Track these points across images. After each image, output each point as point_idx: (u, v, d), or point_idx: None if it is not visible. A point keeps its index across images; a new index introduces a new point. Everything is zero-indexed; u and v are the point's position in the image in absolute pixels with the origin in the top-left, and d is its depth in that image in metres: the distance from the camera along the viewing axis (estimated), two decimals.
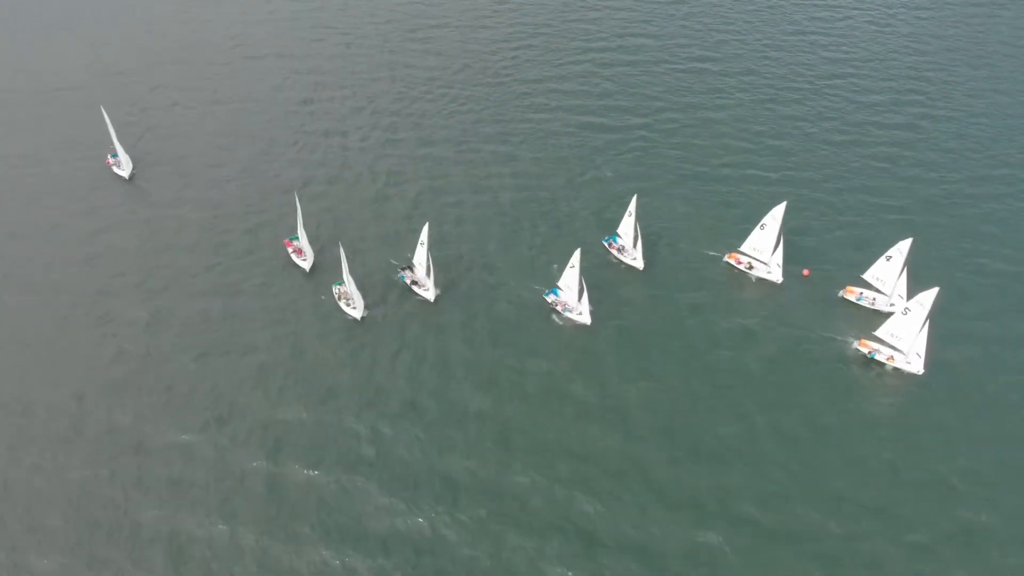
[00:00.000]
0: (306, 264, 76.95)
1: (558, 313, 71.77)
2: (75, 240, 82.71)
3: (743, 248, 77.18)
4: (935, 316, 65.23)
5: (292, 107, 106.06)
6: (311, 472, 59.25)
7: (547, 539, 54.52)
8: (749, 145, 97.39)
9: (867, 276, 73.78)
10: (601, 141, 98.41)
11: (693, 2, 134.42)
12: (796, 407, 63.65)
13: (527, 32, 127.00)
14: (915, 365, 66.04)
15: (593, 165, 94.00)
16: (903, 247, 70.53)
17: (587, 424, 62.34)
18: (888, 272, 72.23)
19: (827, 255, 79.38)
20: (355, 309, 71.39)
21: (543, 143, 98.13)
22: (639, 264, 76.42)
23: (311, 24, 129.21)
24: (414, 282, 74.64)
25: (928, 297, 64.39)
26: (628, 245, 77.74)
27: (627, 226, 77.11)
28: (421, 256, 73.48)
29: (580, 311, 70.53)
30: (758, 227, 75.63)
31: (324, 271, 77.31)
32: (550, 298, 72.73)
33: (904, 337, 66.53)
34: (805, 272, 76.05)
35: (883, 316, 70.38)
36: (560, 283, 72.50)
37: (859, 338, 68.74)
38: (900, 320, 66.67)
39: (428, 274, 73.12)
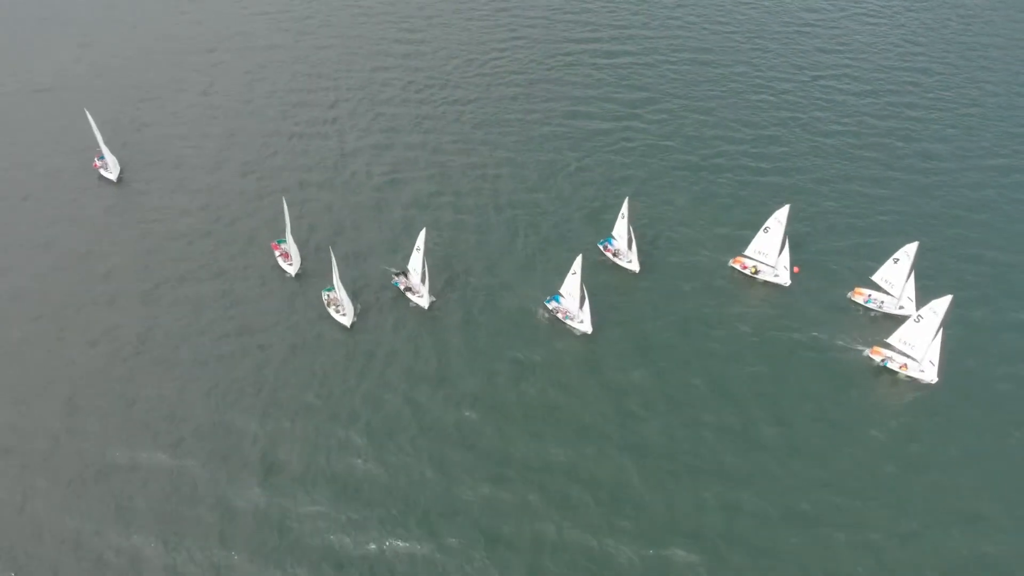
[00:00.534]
0: (292, 269, 74.46)
1: (559, 321, 69.10)
2: (63, 244, 79.89)
3: (748, 252, 74.81)
4: (949, 324, 62.94)
5: (284, 106, 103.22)
6: (288, 490, 56.14)
7: (542, 557, 51.97)
8: (748, 145, 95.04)
9: (875, 278, 71.76)
10: (598, 140, 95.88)
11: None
12: (807, 417, 61.17)
13: (521, 24, 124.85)
14: (929, 373, 63.79)
15: (591, 164, 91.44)
16: (910, 250, 68.55)
17: (589, 439, 59.56)
18: (896, 274, 70.27)
19: (833, 256, 77.11)
20: (344, 316, 68.74)
21: (539, 142, 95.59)
22: (634, 267, 74.34)
23: (303, 21, 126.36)
24: (408, 288, 71.86)
25: (941, 304, 62.14)
26: (623, 248, 75.69)
27: (621, 228, 75.11)
28: (416, 262, 70.70)
29: (581, 319, 67.89)
30: (761, 230, 73.35)
31: (314, 276, 74.53)
32: (551, 305, 70.07)
33: (917, 345, 64.25)
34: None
35: (892, 320, 68.33)
36: (562, 290, 69.84)
37: (871, 346, 66.51)
38: (913, 327, 64.40)
39: (423, 280, 70.34)
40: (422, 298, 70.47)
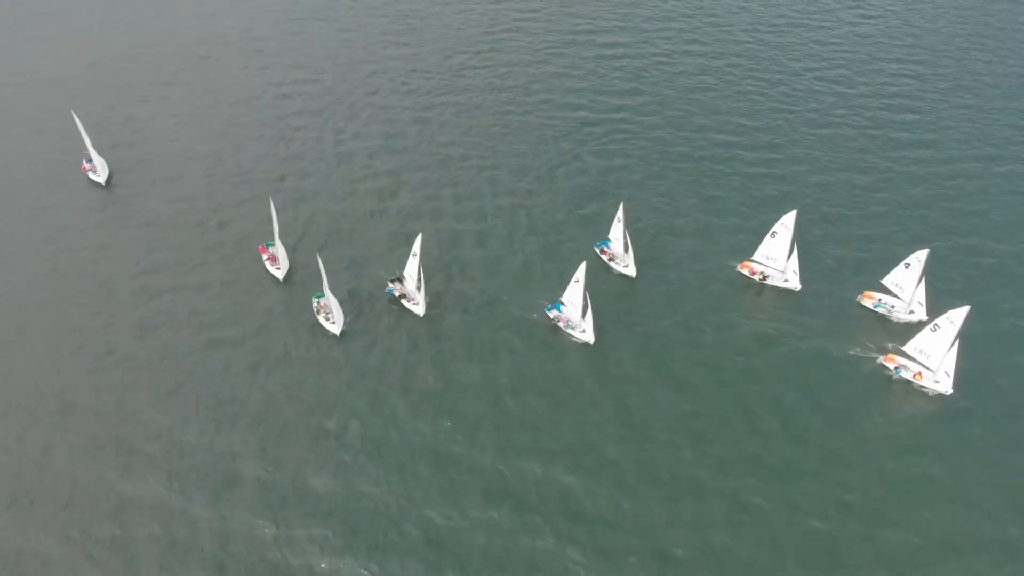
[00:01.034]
0: (280, 273, 71.57)
1: (560, 330, 66.26)
2: (50, 247, 76.92)
3: (755, 257, 72.40)
4: (965, 334, 60.68)
5: (276, 107, 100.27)
6: (259, 519, 52.91)
7: None
8: (746, 143, 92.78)
9: (885, 282, 69.78)
10: (593, 137, 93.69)
11: None
12: (817, 428, 58.77)
13: (514, 16, 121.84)
14: (944, 384, 61.63)
15: (587, 162, 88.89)
16: (921, 256, 66.69)
17: (594, 455, 56.78)
18: (906, 279, 68.30)
19: (842, 259, 74.90)
20: (334, 324, 65.62)
21: (534, 140, 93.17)
22: (631, 272, 71.88)
23: (293, 17, 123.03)
24: (403, 295, 68.69)
25: (959, 315, 59.94)
26: (619, 252, 73.19)
27: (617, 232, 72.79)
28: (412, 268, 67.55)
29: (583, 328, 65.08)
30: (768, 235, 71.15)
31: (306, 281, 71.25)
32: (552, 314, 67.19)
33: (933, 354, 62.06)
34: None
35: (904, 326, 66.62)
36: (563, 298, 66.95)
37: (885, 354, 64.33)
38: (929, 336, 62.20)
39: (419, 287, 67.18)
40: (418, 305, 67.39)
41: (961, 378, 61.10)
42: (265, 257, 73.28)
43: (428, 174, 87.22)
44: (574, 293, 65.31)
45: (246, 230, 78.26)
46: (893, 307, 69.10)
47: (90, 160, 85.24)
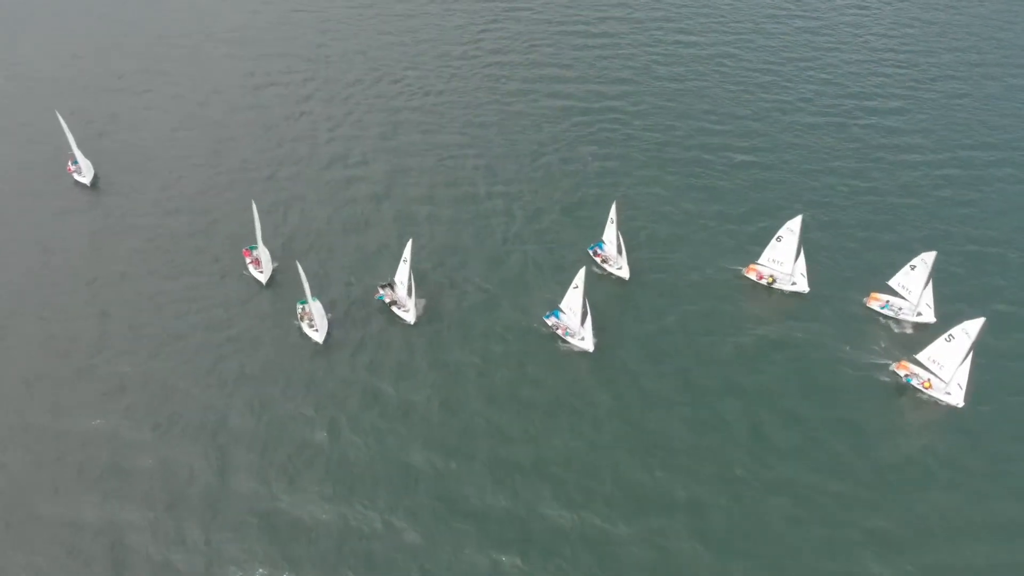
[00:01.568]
0: (262, 277, 68.68)
1: (558, 338, 63.50)
2: (34, 250, 73.90)
3: (761, 261, 69.90)
4: (981, 347, 58.19)
5: (263, 104, 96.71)
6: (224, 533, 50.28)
7: None
8: (742, 141, 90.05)
9: (892, 283, 67.72)
10: (586, 134, 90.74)
11: None
12: (823, 439, 56.40)
13: (502, 10, 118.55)
14: (955, 396, 59.41)
15: (579, 160, 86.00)
16: (928, 258, 64.51)
17: (597, 477, 53.98)
18: (913, 281, 66.29)
19: (848, 260, 72.41)
20: (317, 331, 62.72)
21: (526, 139, 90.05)
22: (624, 274, 69.32)
23: (280, 9, 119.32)
24: (393, 302, 65.58)
25: (974, 326, 57.44)
26: (612, 254, 70.63)
27: (610, 233, 70.17)
28: (403, 274, 64.34)
29: (583, 336, 62.31)
30: (774, 239, 68.75)
31: (290, 285, 67.69)
32: (550, 321, 64.32)
33: (946, 365, 59.77)
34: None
35: (913, 331, 64.71)
36: (562, 305, 64.06)
37: (895, 360, 62.07)
38: (943, 346, 59.82)
39: (409, 293, 64.08)
40: (408, 312, 64.34)
41: (974, 392, 58.90)
42: (248, 260, 70.14)
43: (420, 175, 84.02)
44: (573, 299, 62.40)
45: (232, 232, 75.06)
46: (900, 309, 67.05)
47: (75, 161, 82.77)
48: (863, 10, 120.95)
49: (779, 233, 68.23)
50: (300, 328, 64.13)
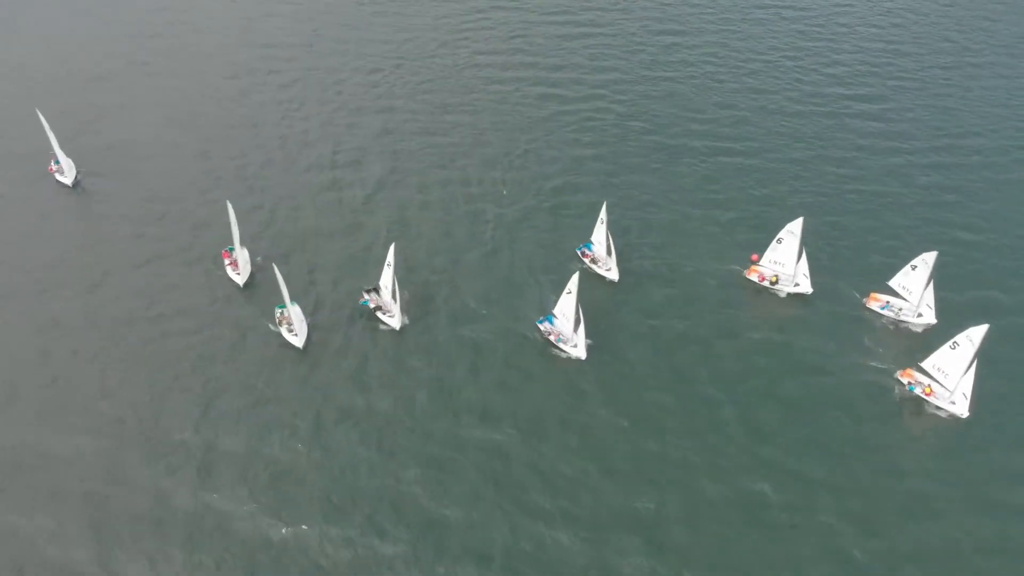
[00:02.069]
0: (240, 279, 66.43)
1: (551, 344, 61.15)
2: (13, 250, 71.67)
3: (762, 262, 67.77)
4: (986, 355, 56.11)
5: (245, 101, 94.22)
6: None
7: None
8: (736, 139, 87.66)
9: (892, 283, 65.86)
10: (570, 130, 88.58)
11: None
12: (823, 451, 54.35)
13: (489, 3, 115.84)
14: (960, 406, 57.44)
15: (567, 158, 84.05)
16: (928, 259, 62.63)
17: (591, 498, 51.47)
18: (913, 281, 64.48)
19: (847, 260, 70.37)
20: (296, 336, 60.34)
21: (514, 138, 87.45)
22: (613, 276, 67.21)
23: (265, 5, 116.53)
24: (378, 307, 63.00)
25: (978, 333, 55.48)
26: (601, 255, 68.39)
27: (600, 234, 68.00)
28: (387, 278, 61.70)
29: (575, 343, 59.97)
30: (775, 241, 66.78)
31: (271, 288, 64.79)
32: (543, 326, 61.96)
33: (951, 373, 57.76)
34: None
35: (918, 335, 62.85)
36: (555, 310, 61.66)
37: (903, 367, 60.04)
38: (948, 354, 57.77)
39: (394, 298, 61.50)
40: (393, 318, 61.83)
41: (978, 401, 56.87)
42: (227, 262, 67.69)
43: (405, 174, 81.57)
44: (566, 305, 59.98)
45: (213, 232, 72.35)
46: (901, 309, 65.27)
47: (57, 161, 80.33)
48: (852, 6, 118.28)
49: (779, 235, 66.27)
50: (279, 333, 61.75)
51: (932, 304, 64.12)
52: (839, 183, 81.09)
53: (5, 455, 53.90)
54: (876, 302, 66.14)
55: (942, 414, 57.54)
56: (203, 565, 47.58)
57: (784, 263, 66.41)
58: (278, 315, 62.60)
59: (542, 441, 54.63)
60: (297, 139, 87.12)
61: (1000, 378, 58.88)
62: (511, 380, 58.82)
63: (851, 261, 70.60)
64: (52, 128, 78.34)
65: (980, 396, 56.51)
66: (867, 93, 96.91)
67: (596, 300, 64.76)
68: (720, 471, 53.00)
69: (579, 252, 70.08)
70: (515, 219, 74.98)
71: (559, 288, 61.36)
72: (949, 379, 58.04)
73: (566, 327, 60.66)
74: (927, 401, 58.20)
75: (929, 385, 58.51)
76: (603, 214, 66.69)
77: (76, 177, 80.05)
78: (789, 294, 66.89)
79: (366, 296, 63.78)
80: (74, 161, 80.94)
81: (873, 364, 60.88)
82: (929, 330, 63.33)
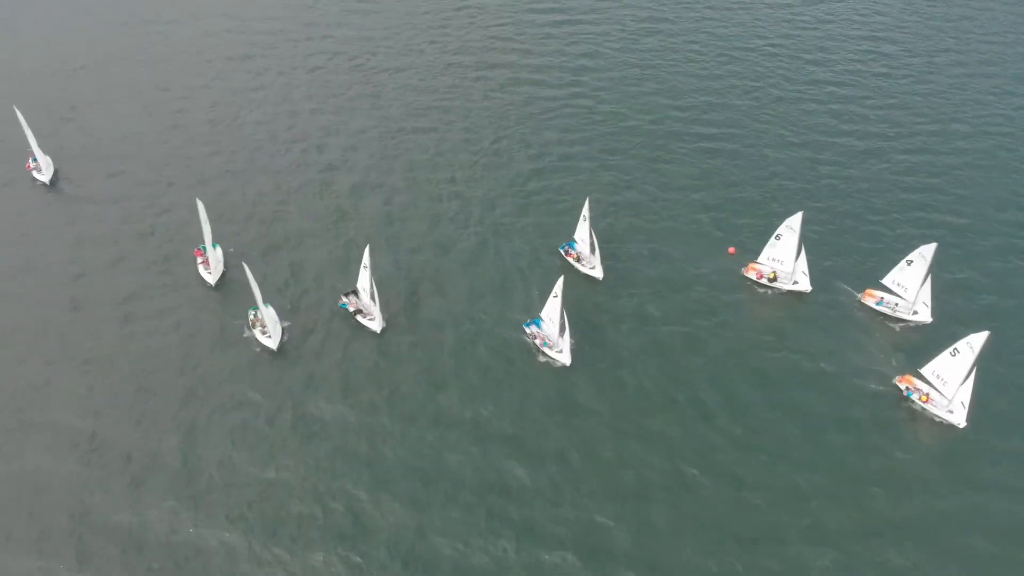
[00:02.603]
0: (211, 278, 64.52)
1: (537, 349, 59.06)
2: None
3: (760, 260, 65.27)
4: (984, 362, 53.82)
5: (224, 100, 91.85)
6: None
7: None
8: (727, 131, 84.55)
9: (886, 281, 63.58)
10: (555, 123, 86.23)
11: None
12: (814, 457, 52.52)
13: None
14: (958, 415, 55.53)
15: (550, 152, 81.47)
16: (926, 252, 60.04)
17: (561, 512, 49.82)
18: (909, 278, 62.09)
19: (843, 256, 67.80)
20: (270, 338, 58.56)
21: (494, 127, 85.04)
22: (598, 274, 64.93)
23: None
24: (358, 310, 60.80)
25: (978, 340, 53.14)
26: (585, 252, 65.93)
27: (583, 231, 65.45)
28: (364, 280, 59.32)
29: (560, 348, 57.89)
30: (773, 237, 64.19)
31: (245, 289, 62.73)
32: (529, 330, 59.83)
33: (950, 381, 55.66)
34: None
35: (917, 340, 60.35)
36: (542, 314, 59.38)
37: (903, 374, 57.92)
38: (947, 361, 55.47)
39: (374, 300, 59.24)
40: (374, 321, 59.72)
41: (977, 411, 54.85)
42: (200, 260, 65.51)
43: (385, 174, 78.83)
44: (552, 309, 57.66)
45: (191, 231, 69.94)
46: (896, 305, 63.13)
47: (35, 159, 78.69)
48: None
49: (778, 231, 63.65)
50: (253, 335, 59.97)
51: (928, 302, 61.87)
52: (834, 175, 78.25)
53: None
54: (871, 298, 63.98)
55: (939, 422, 55.77)
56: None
57: (783, 260, 63.78)
58: (251, 316, 60.66)
59: (522, 448, 52.80)
60: (272, 138, 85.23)
61: (1000, 389, 56.78)
62: (493, 384, 56.90)
63: (846, 256, 68.07)
64: (29, 125, 76.50)
65: (979, 406, 54.47)
66: (859, 83, 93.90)
67: (581, 300, 62.53)
68: (710, 475, 51.40)
69: (562, 251, 67.61)
70: (497, 217, 72.72)
71: (543, 287, 59.20)
72: (948, 387, 55.92)
73: (552, 331, 58.50)
74: (924, 408, 56.42)
75: (927, 393, 56.62)
76: (586, 210, 63.96)
77: (54, 174, 78.61)
78: (786, 292, 64.47)
79: (344, 299, 61.57)
80: (52, 158, 79.72)
81: (868, 367, 58.74)
82: (925, 329, 61.19)
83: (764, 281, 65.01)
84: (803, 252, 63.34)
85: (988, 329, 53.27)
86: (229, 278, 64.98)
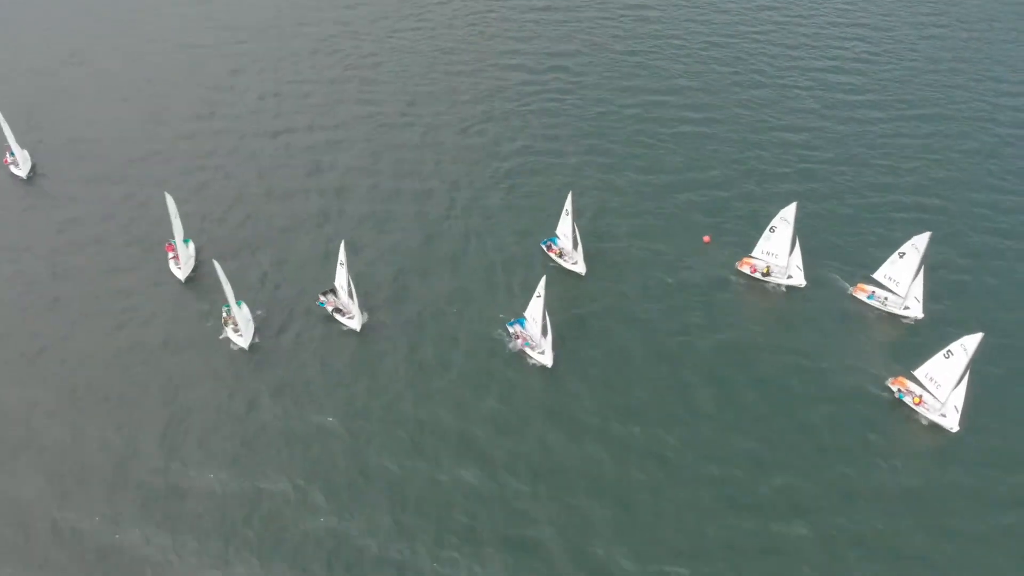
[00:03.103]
0: (181, 273, 63.14)
1: (520, 348, 57.37)
2: None
3: (754, 254, 63.73)
4: (978, 364, 52.43)
5: (204, 95, 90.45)
6: None
7: None
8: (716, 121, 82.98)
9: (877, 275, 62.19)
10: (539, 116, 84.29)
11: None
12: (803, 460, 51.17)
13: None
14: (950, 419, 54.25)
15: (537, 149, 79.22)
16: (919, 243, 58.53)
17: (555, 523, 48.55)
18: (901, 271, 60.60)
19: (835, 247, 66.21)
20: (242, 336, 57.02)
21: (477, 121, 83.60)
22: (580, 269, 63.56)
23: None
24: (337, 309, 58.89)
25: (972, 342, 51.68)
26: (568, 248, 64.27)
27: (565, 226, 63.82)
28: (342, 278, 57.35)
29: (542, 349, 56.25)
30: (767, 230, 62.45)
31: (218, 285, 60.93)
32: (512, 329, 58.20)
33: (943, 384, 54.34)
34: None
35: (914, 342, 58.66)
36: (526, 313, 57.66)
37: (895, 375, 56.44)
38: (941, 364, 54.04)
39: (352, 298, 57.25)
40: (353, 319, 57.90)
41: (970, 415, 53.56)
42: (171, 255, 64.10)
43: (365, 173, 77.09)
44: (535, 309, 55.89)
45: (166, 226, 67.49)
46: (887, 299, 61.85)
47: (12, 153, 78.18)
48: None
49: (772, 223, 61.93)
50: (225, 333, 58.58)
51: (920, 297, 60.41)
52: (828, 166, 76.34)
53: None
54: (862, 292, 62.67)
55: (929, 425, 54.55)
56: None
57: (777, 253, 62.16)
58: (224, 315, 59.05)
59: (503, 448, 51.35)
60: (250, 129, 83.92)
61: (993, 393, 55.37)
62: (474, 385, 55.39)
63: (839, 248, 66.49)
64: (7, 119, 75.38)
65: (971, 411, 53.18)
66: (845, 68, 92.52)
67: (563, 296, 60.99)
68: (700, 481, 50.10)
69: (544, 247, 65.90)
70: (480, 211, 71.14)
71: (525, 284, 57.64)
72: (941, 390, 54.58)
73: (535, 331, 56.77)
74: (916, 411, 55.23)
75: (920, 395, 55.33)
76: (568, 204, 62.11)
77: (31, 169, 77.60)
78: (780, 286, 62.97)
79: (322, 299, 59.84)
80: (29, 152, 78.79)
81: (860, 366, 57.23)
82: (919, 329, 59.71)
83: (758, 276, 63.45)
84: (797, 245, 61.72)
85: (981, 331, 51.73)
86: (202, 273, 63.17)
